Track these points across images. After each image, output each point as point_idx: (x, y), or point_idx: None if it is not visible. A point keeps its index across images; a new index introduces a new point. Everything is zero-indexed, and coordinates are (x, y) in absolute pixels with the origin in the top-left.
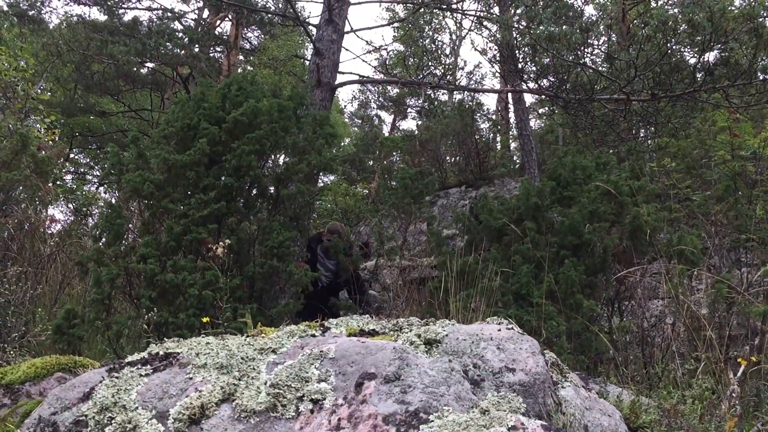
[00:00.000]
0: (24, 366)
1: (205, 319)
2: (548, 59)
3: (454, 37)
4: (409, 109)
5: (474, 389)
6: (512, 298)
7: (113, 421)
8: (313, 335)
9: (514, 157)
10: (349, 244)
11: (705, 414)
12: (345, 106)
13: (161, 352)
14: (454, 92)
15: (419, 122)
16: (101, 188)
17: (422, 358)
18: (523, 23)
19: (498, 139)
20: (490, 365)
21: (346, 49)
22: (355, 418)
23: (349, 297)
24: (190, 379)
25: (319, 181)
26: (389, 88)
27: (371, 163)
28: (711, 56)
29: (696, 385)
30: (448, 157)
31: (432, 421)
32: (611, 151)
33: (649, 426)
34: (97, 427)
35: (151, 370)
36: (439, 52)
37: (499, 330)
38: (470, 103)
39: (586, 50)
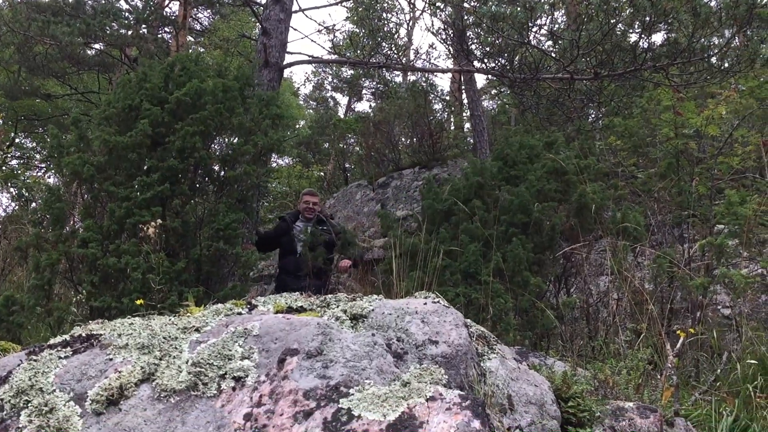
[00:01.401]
0: None
1: (139, 301)
2: (496, 39)
3: (407, 17)
4: (363, 91)
5: (397, 362)
6: (461, 276)
7: (29, 405)
8: (240, 313)
9: (468, 138)
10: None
11: (643, 385)
12: (299, 88)
13: (84, 334)
14: (408, 74)
15: (374, 104)
16: (48, 173)
17: (346, 332)
18: (474, 2)
19: (452, 120)
20: (413, 338)
21: (295, 29)
22: (276, 394)
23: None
24: (111, 360)
25: (272, 163)
26: (344, 69)
27: (326, 145)
28: (658, 37)
29: (632, 356)
30: (402, 138)
31: (352, 394)
32: (560, 131)
33: (580, 396)
34: (12, 410)
35: (71, 352)
36: (392, 33)
37: (425, 303)
38: (424, 84)
39: (531, 30)
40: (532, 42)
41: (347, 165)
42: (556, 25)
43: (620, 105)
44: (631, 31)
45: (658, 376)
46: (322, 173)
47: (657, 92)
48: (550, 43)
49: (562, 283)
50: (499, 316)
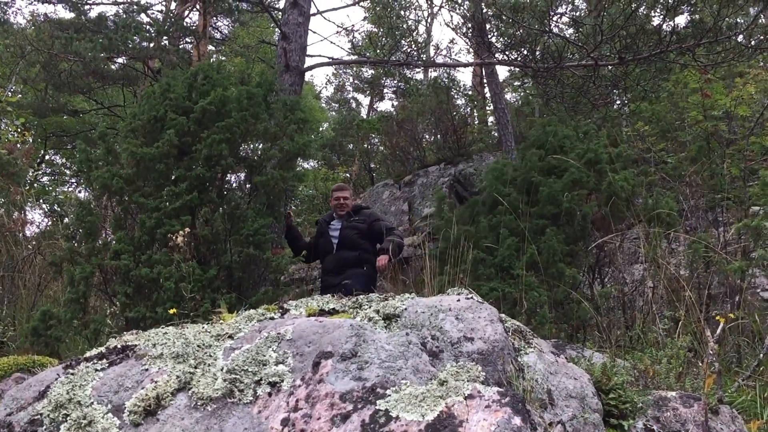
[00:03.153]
0: None
1: (172, 311)
2: (517, 30)
3: (425, 14)
4: (385, 90)
5: (433, 361)
6: (495, 270)
7: (68, 418)
8: (272, 318)
9: (492, 132)
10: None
11: (684, 373)
12: (321, 90)
13: (119, 346)
14: (430, 71)
15: (396, 103)
16: (78, 188)
17: (380, 333)
18: None
19: (475, 114)
20: (448, 336)
21: (314, 32)
22: (312, 398)
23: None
24: (146, 370)
25: (298, 166)
26: (364, 70)
27: (350, 146)
28: (681, 19)
29: (671, 345)
30: (426, 136)
31: (389, 395)
32: (586, 119)
33: (621, 387)
34: (52, 425)
35: (107, 364)
36: (410, 30)
37: (458, 300)
38: (445, 80)
39: (552, 18)
40: (554, 30)
41: (372, 165)
42: (578, 12)
43: (647, 89)
44: (654, 13)
45: (700, 364)
46: (347, 174)
47: (683, 75)
48: (571, 30)
49: (595, 274)
50: (534, 309)
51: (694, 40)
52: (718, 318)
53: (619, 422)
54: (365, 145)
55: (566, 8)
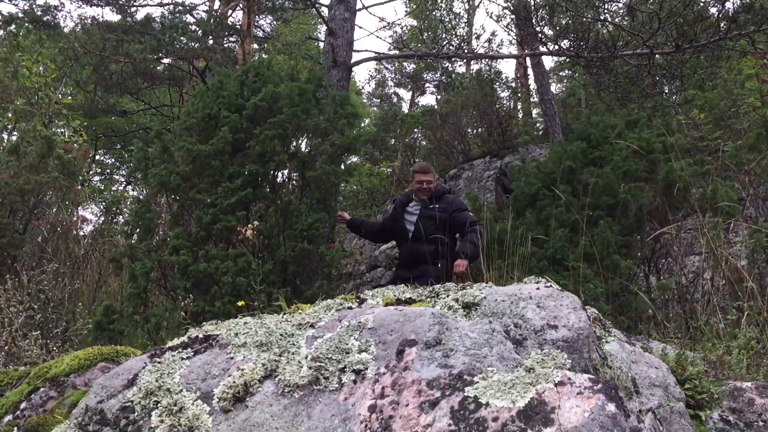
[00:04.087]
0: (68, 359)
1: (240, 303)
2: (566, 19)
3: (467, 6)
4: (427, 84)
5: (517, 349)
6: (548, 263)
7: (159, 405)
8: (350, 307)
9: (537, 124)
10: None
11: (752, 364)
12: (362, 86)
13: (200, 335)
14: (472, 63)
15: (438, 96)
16: (129, 186)
17: (462, 321)
18: None
19: (519, 106)
20: (531, 324)
21: (360, 27)
22: (398, 385)
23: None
24: (231, 358)
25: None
26: (406, 64)
27: (393, 141)
28: (733, 4)
29: (741, 336)
30: (470, 129)
31: (477, 382)
32: (638, 109)
33: (696, 377)
34: (143, 411)
35: (192, 353)
36: (453, 23)
37: (538, 288)
38: (488, 72)
39: (605, 5)
40: (608, 19)
41: (416, 160)
42: (630, 1)
43: (704, 77)
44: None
45: None
46: (390, 170)
47: (738, 62)
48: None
49: (652, 265)
50: (589, 301)
51: (753, 27)
52: None
53: (695, 412)
54: (408, 140)
55: None
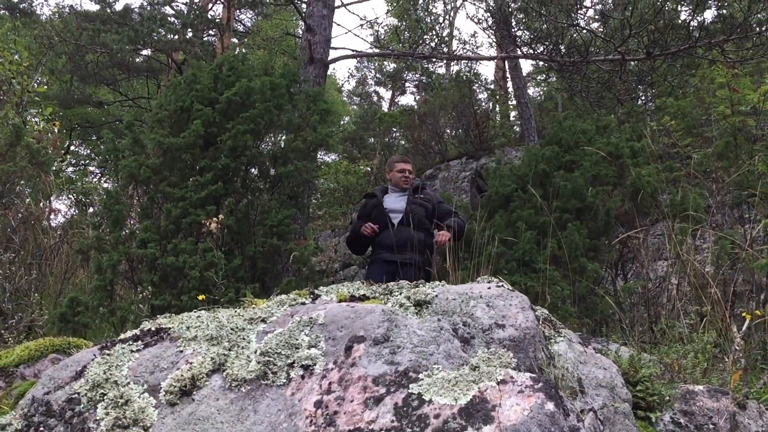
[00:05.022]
0: (18, 349)
1: (201, 297)
2: (542, 23)
3: (448, 7)
4: (407, 84)
5: (464, 347)
6: (516, 264)
7: (105, 397)
8: (303, 303)
9: (514, 126)
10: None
11: (709, 368)
12: (342, 84)
13: (153, 328)
14: (452, 64)
15: (418, 97)
16: (103, 178)
17: (411, 319)
18: None
19: (497, 108)
20: (479, 323)
21: (338, 25)
22: (345, 381)
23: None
24: (181, 352)
25: (318, 159)
26: (386, 63)
27: (372, 140)
28: (709, 14)
29: (698, 340)
30: (447, 130)
31: (422, 379)
32: (610, 114)
33: (648, 380)
34: (89, 403)
35: (143, 346)
36: (432, 24)
37: (489, 288)
38: (467, 74)
39: (579, 11)
40: (581, 23)
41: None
42: (604, 6)
43: (674, 85)
44: (682, 8)
45: (726, 360)
46: (368, 168)
47: (710, 70)
48: (596, 24)
49: (618, 269)
50: (557, 303)
51: (723, 36)
52: (744, 314)
53: (646, 414)
54: (386, 139)
55: (593, 1)
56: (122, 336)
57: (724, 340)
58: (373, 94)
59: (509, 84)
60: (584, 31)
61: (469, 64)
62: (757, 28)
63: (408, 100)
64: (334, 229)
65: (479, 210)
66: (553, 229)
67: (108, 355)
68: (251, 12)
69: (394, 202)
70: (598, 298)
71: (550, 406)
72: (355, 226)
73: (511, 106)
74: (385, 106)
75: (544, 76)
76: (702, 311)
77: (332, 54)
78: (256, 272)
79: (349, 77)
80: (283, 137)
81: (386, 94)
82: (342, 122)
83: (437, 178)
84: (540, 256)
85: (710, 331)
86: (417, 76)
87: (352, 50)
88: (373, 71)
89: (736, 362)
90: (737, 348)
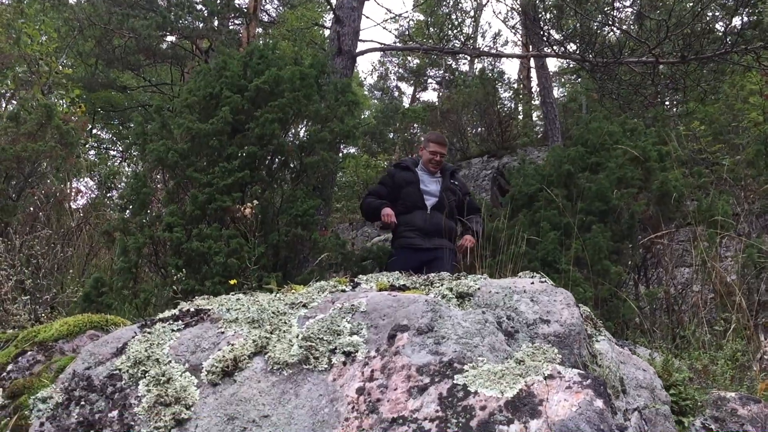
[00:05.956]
0: (57, 324)
1: (232, 281)
2: (574, 22)
3: (474, 3)
4: (429, 80)
5: (508, 341)
6: (539, 264)
7: (147, 375)
8: (344, 290)
9: (537, 127)
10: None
11: (735, 376)
12: (365, 78)
13: (192, 309)
14: (475, 62)
15: (440, 93)
16: (124, 162)
17: (455, 310)
18: None
19: (520, 108)
20: (524, 317)
21: (367, 17)
22: (388, 369)
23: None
24: (222, 333)
25: (342, 151)
26: (409, 59)
27: (391, 135)
28: (740, 20)
29: (727, 347)
30: (469, 128)
31: (466, 370)
32: (638, 118)
33: (682, 384)
34: (131, 380)
35: (183, 326)
36: (460, 20)
37: (533, 283)
38: (492, 72)
39: (614, 11)
40: (616, 23)
41: (414, 155)
42: (641, 7)
43: (706, 90)
44: (716, 13)
45: (754, 368)
46: (387, 163)
47: (742, 77)
48: (627, 26)
49: (641, 274)
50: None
51: (760, 43)
52: None
53: (678, 418)
54: (407, 135)
55: (629, 1)
56: (161, 315)
57: (749, 348)
58: (394, 89)
59: (533, 83)
60: (618, 31)
61: (493, 62)
62: None
63: (430, 96)
64: (352, 222)
65: (502, 209)
66: (576, 231)
67: (149, 333)
68: (277, 1)
69: (428, 183)
70: (620, 301)
71: (599, 403)
72: (374, 202)
73: (534, 106)
74: (406, 102)
75: (573, 76)
76: (728, 318)
77: (360, 46)
78: (279, 261)
79: (372, 71)
80: (310, 127)
81: (408, 90)
82: (363, 116)
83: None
84: (563, 257)
85: (738, 339)
86: (440, 72)
87: (380, 43)
88: (395, 66)
89: (764, 371)
90: (765, 357)
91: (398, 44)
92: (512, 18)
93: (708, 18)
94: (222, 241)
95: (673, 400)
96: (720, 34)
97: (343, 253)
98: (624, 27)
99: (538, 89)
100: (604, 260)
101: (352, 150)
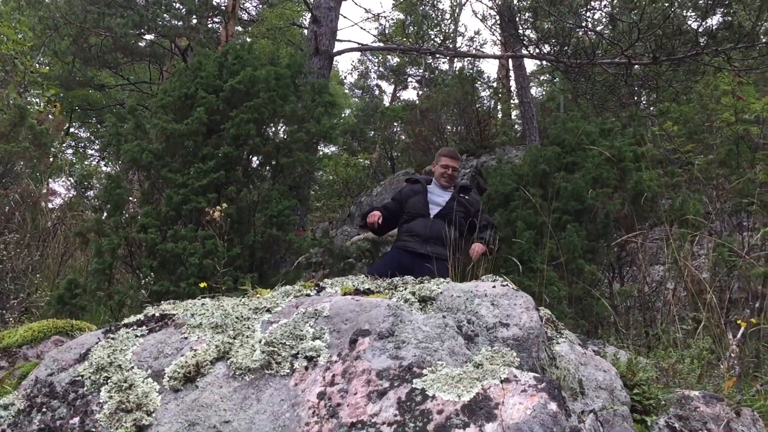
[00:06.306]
0: (21, 330)
1: (203, 284)
2: (549, 24)
3: (453, 3)
4: (409, 79)
5: (468, 344)
6: (513, 263)
7: (109, 381)
8: (308, 295)
9: (515, 126)
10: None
11: (703, 374)
12: (345, 76)
13: (157, 314)
14: (455, 61)
15: (420, 92)
16: (102, 162)
17: (416, 314)
18: None
19: (499, 107)
20: (484, 321)
21: (344, 17)
22: (349, 374)
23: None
24: (186, 338)
25: (319, 151)
26: (389, 58)
27: (372, 133)
28: (714, 20)
29: (694, 345)
30: (448, 126)
31: (425, 375)
32: (614, 118)
33: (645, 383)
34: (93, 386)
35: (147, 331)
36: (439, 19)
37: (494, 287)
38: (471, 71)
39: (587, 13)
40: (588, 25)
41: (394, 153)
42: (613, 8)
43: (678, 90)
44: (688, 14)
45: (720, 366)
46: (368, 162)
47: (715, 78)
48: (601, 27)
49: (616, 272)
50: (553, 304)
51: (730, 44)
52: (739, 322)
53: (642, 417)
54: (387, 133)
55: (602, 3)
56: (126, 321)
57: (719, 346)
58: (375, 87)
59: (512, 83)
60: (592, 33)
61: (472, 62)
62: (764, 38)
63: (410, 95)
64: (332, 221)
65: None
66: (551, 230)
67: (112, 339)
68: (257, 0)
69: (437, 195)
70: (594, 300)
71: (553, 406)
72: (368, 208)
73: (512, 105)
74: (386, 101)
75: (549, 76)
76: (698, 317)
77: (337, 46)
78: (255, 261)
79: (352, 70)
80: (287, 128)
81: (388, 89)
82: (343, 115)
83: None
84: (538, 256)
85: (706, 338)
86: (420, 71)
87: (358, 43)
88: (376, 65)
89: (731, 369)
90: (732, 355)
91: (376, 44)
92: (491, 18)
93: (680, 19)
94: (197, 242)
95: (636, 399)
96: (692, 35)
97: (329, 248)
98: (598, 29)
99: (516, 89)
100: (578, 259)
101: (333, 148)
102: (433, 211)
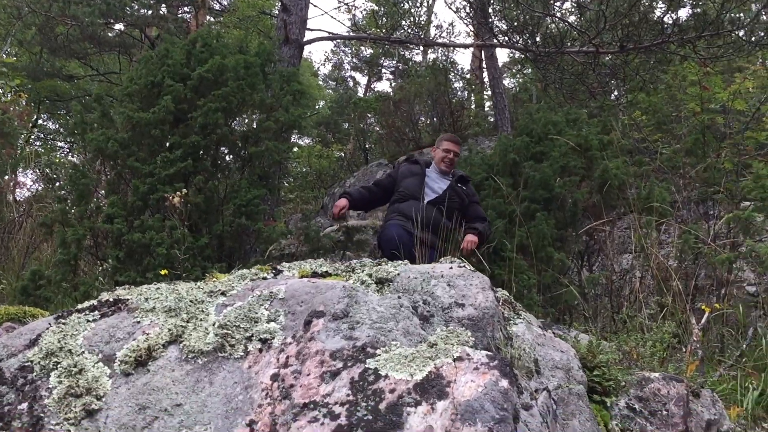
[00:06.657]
0: None
1: (163, 272)
2: (519, 13)
3: None
4: (383, 70)
5: (423, 324)
6: (485, 252)
7: (59, 366)
8: (265, 278)
9: (489, 116)
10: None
11: (666, 358)
12: (318, 67)
13: (111, 299)
14: (429, 52)
15: (393, 83)
16: (71, 153)
17: (372, 295)
18: None
19: (472, 98)
20: (440, 301)
21: (315, 6)
22: (302, 355)
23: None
24: (138, 323)
25: (293, 141)
26: (363, 48)
27: (346, 125)
28: (683, 12)
29: (657, 330)
30: (422, 117)
31: (379, 355)
32: (583, 108)
33: (606, 365)
34: (42, 371)
35: (99, 316)
36: (411, 10)
37: (451, 268)
38: (444, 62)
39: (556, 2)
40: (557, 15)
41: (367, 144)
42: None
43: (645, 79)
44: (657, 4)
45: (683, 350)
46: (342, 153)
47: (682, 67)
48: (572, 18)
49: (584, 260)
50: (522, 292)
51: (695, 33)
52: (703, 307)
53: (602, 398)
54: (361, 124)
55: None
56: (79, 306)
57: (683, 331)
58: (349, 79)
59: (485, 74)
60: (560, 22)
61: (446, 53)
62: (729, 27)
63: (384, 86)
64: (305, 213)
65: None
66: (520, 219)
67: (63, 324)
68: None
69: (434, 181)
70: (563, 287)
71: (504, 383)
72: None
73: (486, 96)
74: (361, 92)
75: (520, 66)
76: (663, 303)
77: (308, 35)
78: (223, 252)
79: (325, 61)
80: (256, 117)
81: (362, 80)
82: (317, 106)
83: None
84: (508, 245)
85: (669, 322)
86: (393, 62)
87: (329, 32)
88: (349, 56)
89: (694, 353)
90: (695, 339)
91: (347, 33)
92: (463, 10)
93: (647, 9)
94: (164, 232)
95: (596, 380)
96: (658, 24)
97: (306, 233)
98: (565, 18)
99: (488, 79)
100: (548, 247)
101: (307, 140)
102: (428, 197)
